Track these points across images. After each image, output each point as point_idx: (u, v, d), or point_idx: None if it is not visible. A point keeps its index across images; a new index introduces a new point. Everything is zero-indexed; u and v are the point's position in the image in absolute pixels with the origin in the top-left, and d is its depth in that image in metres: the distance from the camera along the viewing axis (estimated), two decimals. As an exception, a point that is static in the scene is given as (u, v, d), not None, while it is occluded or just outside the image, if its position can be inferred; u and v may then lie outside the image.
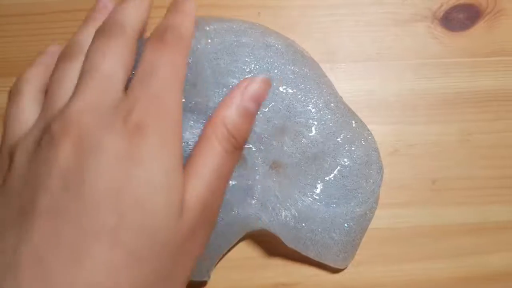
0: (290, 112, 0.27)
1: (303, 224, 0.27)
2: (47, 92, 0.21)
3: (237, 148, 0.21)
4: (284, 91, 0.27)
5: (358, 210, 0.28)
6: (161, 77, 0.20)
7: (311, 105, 0.27)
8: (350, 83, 0.32)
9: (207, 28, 0.28)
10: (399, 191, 0.31)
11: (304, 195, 0.27)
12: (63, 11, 0.33)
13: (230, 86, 0.26)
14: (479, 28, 0.34)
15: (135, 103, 0.19)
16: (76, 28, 0.23)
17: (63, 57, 0.22)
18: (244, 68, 0.27)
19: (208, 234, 0.21)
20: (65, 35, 0.29)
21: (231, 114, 0.21)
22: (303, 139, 0.27)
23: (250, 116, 0.21)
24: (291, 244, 0.28)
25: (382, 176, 0.29)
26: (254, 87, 0.21)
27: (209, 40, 0.27)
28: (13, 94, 0.22)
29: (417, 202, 0.30)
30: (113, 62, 0.20)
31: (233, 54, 0.27)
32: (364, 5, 0.33)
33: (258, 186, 0.27)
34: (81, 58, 0.21)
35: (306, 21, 0.33)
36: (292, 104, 0.27)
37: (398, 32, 0.33)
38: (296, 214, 0.27)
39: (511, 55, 0.33)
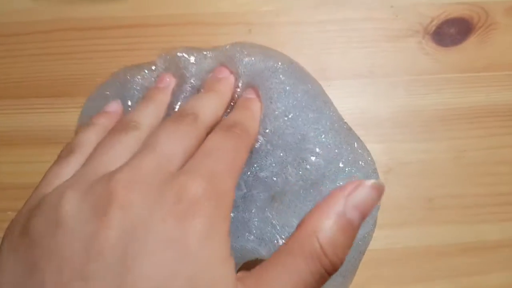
0: (302, 140, 0.27)
1: None
2: (88, 158, 0.20)
3: (328, 271, 0.17)
4: (300, 117, 0.27)
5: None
6: (223, 158, 0.19)
7: (320, 127, 0.27)
8: (342, 101, 0.31)
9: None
10: (395, 211, 0.30)
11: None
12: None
13: None
14: (470, 42, 0.33)
15: (191, 179, 0.17)
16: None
17: (118, 130, 0.21)
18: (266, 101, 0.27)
19: None
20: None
21: (328, 226, 0.17)
22: (307, 166, 0.27)
23: (352, 231, 0.17)
24: None
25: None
26: (362, 193, 0.18)
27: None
28: (62, 155, 0.21)
29: (413, 222, 0.30)
30: (176, 144, 0.19)
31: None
32: (355, 21, 0.33)
33: (255, 219, 0.26)
34: (137, 134, 0.21)
35: (297, 38, 0.32)
36: (300, 128, 0.27)
37: (389, 48, 0.33)
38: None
39: (503, 70, 0.33)
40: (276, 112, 0.26)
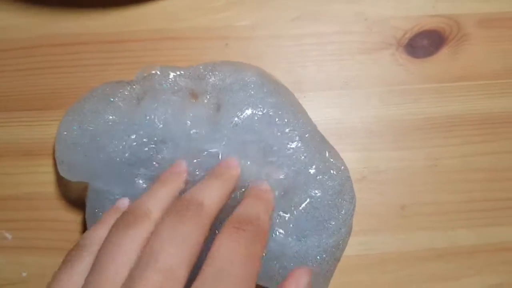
0: (265, 154, 0.27)
1: (275, 262, 0.27)
2: (97, 261, 0.20)
3: None
4: (264, 130, 0.28)
5: (330, 241, 0.28)
6: (237, 275, 0.18)
7: (286, 140, 0.28)
8: (318, 112, 0.32)
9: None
10: (368, 218, 0.31)
11: (275, 232, 0.27)
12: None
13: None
14: (443, 54, 0.34)
15: None
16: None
17: (124, 224, 0.21)
18: (229, 118, 0.27)
19: None
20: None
21: None
22: (275, 180, 0.27)
23: None
24: (262, 282, 0.27)
25: (354, 206, 0.29)
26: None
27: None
28: (72, 255, 0.21)
29: (386, 229, 0.31)
30: (178, 250, 0.19)
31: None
32: (330, 35, 0.34)
33: None
34: (146, 226, 0.20)
35: (273, 51, 0.33)
36: (269, 144, 0.28)
37: (364, 60, 0.34)
38: (268, 253, 0.27)
39: (476, 80, 0.34)
40: (240, 124, 0.27)
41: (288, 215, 0.27)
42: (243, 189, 0.27)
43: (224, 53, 0.33)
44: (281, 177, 0.27)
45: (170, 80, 0.30)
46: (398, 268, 0.30)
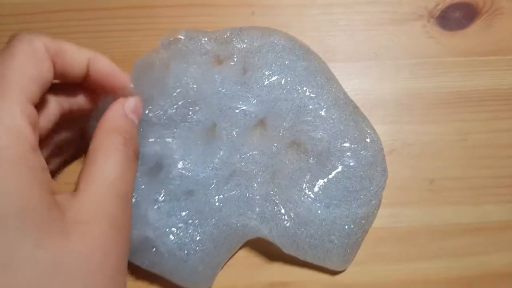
0: (299, 112, 0.27)
1: (303, 229, 0.27)
2: None
3: (136, 153, 0.22)
4: (297, 90, 0.27)
5: (360, 212, 0.28)
6: None
7: (321, 102, 0.27)
8: (346, 83, 0.31)
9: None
10: (397, 191, 0.30)
11: (303, 195, 0.27)
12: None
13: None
14: (475, 27, 0.33)
15: None
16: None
17: None
18: (260, 77, 0.27)
19: None
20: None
21: (122, 123, 0.22)
22: (310, 140, 0.27)
23: (135, 127, 0.23)
24: (289, 251, 0.27)
25: (386, 178, 0.29)
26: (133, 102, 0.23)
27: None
28: None
29: (415, 202, 0.30)
30: None
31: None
32: (360, 4, 0.33)
33: (257, 197, 0.27)
34: None
35: (301, 20, 0.33)
36: (303, 103, 0.27)
37: (394, 32, 0.33)
38: (296, 218, 0.27)
39: (507, 54, 0.33)
40: (270, 84, 0.27)
41: (319, 180, 0.27)
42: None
43: (250, 21, 0.32)
44: (318, 136, 0.27)
45: (196, 43, 0.29)
46: (426, 242, 0.29)
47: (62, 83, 0.24)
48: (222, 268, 0.28)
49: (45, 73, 0.20)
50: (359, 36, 0.33)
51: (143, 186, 0.26)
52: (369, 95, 0.32)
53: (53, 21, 0.32)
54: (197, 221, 0.26)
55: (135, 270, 0.27)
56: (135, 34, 0.32)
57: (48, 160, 0.25)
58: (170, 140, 0.26)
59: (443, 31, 0.33)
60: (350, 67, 0.32)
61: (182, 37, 0.29)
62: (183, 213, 0.26)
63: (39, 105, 0.21)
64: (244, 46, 0.29)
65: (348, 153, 0.27)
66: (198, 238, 0.26)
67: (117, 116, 0.22)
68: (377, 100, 0.32)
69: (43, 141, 0.23)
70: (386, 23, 0.33)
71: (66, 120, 0.25)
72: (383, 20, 0.33)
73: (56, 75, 0.21)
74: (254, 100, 0.27)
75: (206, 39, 0.29)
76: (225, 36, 0.29)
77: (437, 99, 0.32)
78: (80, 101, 0.25)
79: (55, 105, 0.23)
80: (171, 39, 0.29)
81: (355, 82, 0.32)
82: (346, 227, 0.27)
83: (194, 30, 0.29)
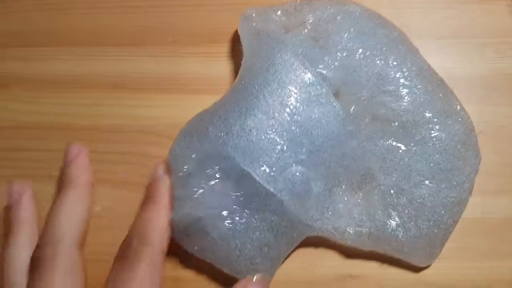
0: (379, 82, 0.25)
1: (382, 207, 0.24)
2: None
3: None
4: (378, 56, 0.25)
5: (451, 195, 0.24)
6: None
7: (405, 70, 0.25)
8: (426, 60, 0.29)
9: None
10: (486, 178, 0.27)
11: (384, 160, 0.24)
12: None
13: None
14: None
15: None
16: None
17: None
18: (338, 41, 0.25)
19: None
20: None
21: None
22: (391, 112, 0.24)
23: None
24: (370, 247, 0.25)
25: (479, 162, 0.26)
26: None
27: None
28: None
29: (507, 191, 0.27)
30: None
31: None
32: (439, -19, 0.31)
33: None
34: None
35: (376, -5, 0.31)
36: (384, 71, 0.25)
37: (476, 10, 0.31)
38: (372, 193, 0.24)
39: None
40: (348, 49, 0.25)
41: (404, 148, 0.24)
42: None
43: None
44: (402, 107, 0.24)
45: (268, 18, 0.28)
46: (521, 235, 0.26)
47: None
48: (283, 261, 0.25)
49: None
50: (438, 13, 0.31)
51: (194, 156, 0.24)
52: (450, 73, 0.29)
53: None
54: (253, 204, 0.24)
55: (183, 257, 0.25)
56: (201, 9, 0.31)
57: None
58: None
59: (529, 10, 0.31)
60: (428, 44, 0.30)
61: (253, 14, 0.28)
62: (239, 194, 0.24)
63: None
64: (317, 13, 0.27)
65: (438, 126, 0.24)
66: (255, 224, 0.24)
67: None
68: (459, 79, 0.29)
69: None
70: (466, 1, 0.31)
71: None
72: (464, -3, 0.31)
73: None
74: (332, 65, 0.25)
75: (279, 12, 0.28)
76: (295, 7, 0.28)
77: (527, 81, 0.29)
78: None
79: None
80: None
81: (435, 60, 0.29)
82: (436, 211, 0.24)
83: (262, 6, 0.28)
